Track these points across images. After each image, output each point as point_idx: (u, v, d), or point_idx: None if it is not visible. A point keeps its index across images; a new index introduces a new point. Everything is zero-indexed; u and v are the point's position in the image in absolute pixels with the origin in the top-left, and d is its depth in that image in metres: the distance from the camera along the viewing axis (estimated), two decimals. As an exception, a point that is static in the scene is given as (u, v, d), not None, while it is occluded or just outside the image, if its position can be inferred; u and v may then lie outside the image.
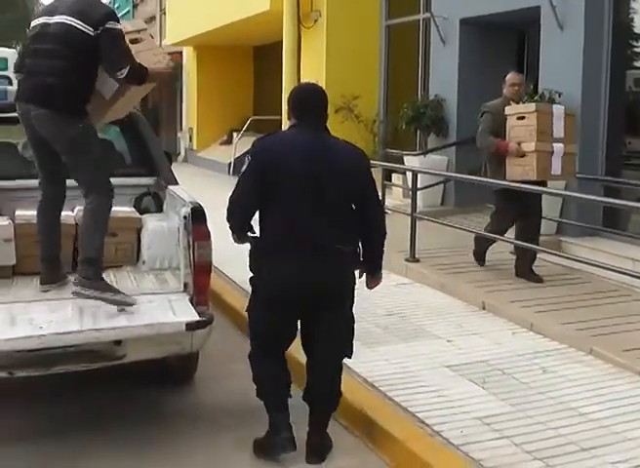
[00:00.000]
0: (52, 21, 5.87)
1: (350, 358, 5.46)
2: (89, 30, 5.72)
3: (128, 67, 5.75)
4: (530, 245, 9.10)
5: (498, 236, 9.56)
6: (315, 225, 5.04)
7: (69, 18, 5.77)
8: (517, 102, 9.51)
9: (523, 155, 8.97)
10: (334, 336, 5.30)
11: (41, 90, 5.81)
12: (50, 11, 5.99)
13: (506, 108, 9.30)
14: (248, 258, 5.31)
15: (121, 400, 6.34)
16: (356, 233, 5.29)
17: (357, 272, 5.51)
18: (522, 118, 9.09)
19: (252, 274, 5.33)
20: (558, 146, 9.00)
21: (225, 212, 5.24)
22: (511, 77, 9.66)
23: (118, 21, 5.89)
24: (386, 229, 5.54)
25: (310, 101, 5.37)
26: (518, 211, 9.22)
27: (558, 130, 9.07)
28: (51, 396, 6.28)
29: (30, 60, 5.94)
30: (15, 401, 6.21)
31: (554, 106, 9.53)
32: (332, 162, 5.14)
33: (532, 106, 9.19)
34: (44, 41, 5.86)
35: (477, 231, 10.24)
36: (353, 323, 5.46)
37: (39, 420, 5.99)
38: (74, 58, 5.76)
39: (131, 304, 5.65)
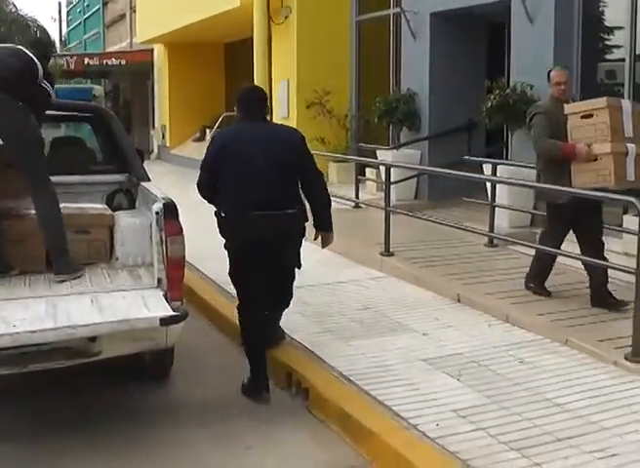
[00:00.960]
0: None
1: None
2: None
3: None
4: (602, 262, 7.94)
5: (560, 252, 8.33)
6: (264, 193, 6.21)
7: None
8: (565, 102, 8.10)
9: (595, 158, 7.69)
10: (283, 289, 6.75)
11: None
12: None
13: (566, 106, 7.97)
14: (218, 229, 6.48)
15: (98, 397, 6.30)
16: (298, 198, 6.46)
17: (313, 234, 6.76)
18: (588, 116, 7.78)
19: (224, 240, 6.49)
20: (631, 147, 7.68)
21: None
22: (554, 74, 8.31)
23: None
24: (329, 195, 6.77)
25: (251, 99, 6.64)
26: (578, 229, 8.19)
27: (628, 128, 7.76)
28: (28, 395, 6.23)
29: None
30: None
31: (622, 100, 8.23)
32: (270, 140, 6.39)
33: (602, 101, 7.76)
34: None
35: (451, 224, 10.28)
36: (298, 268, 6.74)
37: (17, 420, 5.93)
38: None
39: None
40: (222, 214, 6.36)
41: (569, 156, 7.81)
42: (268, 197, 6.19)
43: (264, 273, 6.35)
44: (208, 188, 6.45)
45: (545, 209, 8.53)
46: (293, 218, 6.32)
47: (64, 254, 6.22)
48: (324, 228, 6.71)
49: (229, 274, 6.54)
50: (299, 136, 6.59)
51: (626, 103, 7.95)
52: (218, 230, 6.45)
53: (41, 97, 6.40)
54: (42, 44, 6.89)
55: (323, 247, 6.86)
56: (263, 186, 6.20)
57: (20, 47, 6.60)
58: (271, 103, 17.35)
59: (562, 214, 8.08)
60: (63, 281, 6.11)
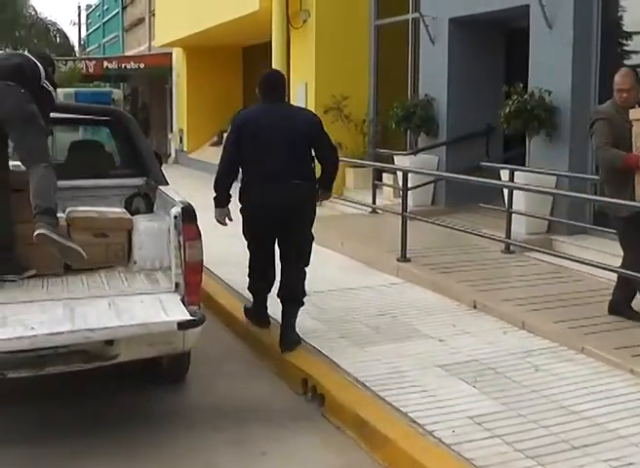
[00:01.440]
0: None
1: (307, 266, 7.43)
2: None
3: None
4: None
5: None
6: (281, 165, 7.03)
7: None
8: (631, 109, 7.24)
9: None
10: (297, 250, 7.34)
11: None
12: None
13: (631, 112, 7.18)
14: (238, 194, 7.26)
15: (114, 400, 6.32)
16: (308, 172, 7.25)
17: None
18: None
19: (241, 205, 7.27)
20: None
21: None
22: (617, 81, 7.47)
23: None
24: (337, 164, 7.63)
25: (270, 83, 7.41)
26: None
27: None
28: (42, 398, 6.26)
29: None
30: (4, 403, 6.19)
31: None
32: (290, 118, 7.25)
33: None
34: None
35: (468, 230, 10.27)
36: (312, 240, 7.44)
37: (30, 423, 5.95)
38: None
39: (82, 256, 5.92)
40: (241, 184, 7.27)
41: (632, 167, 7.10)
42: (279, 170, 7.01)
43: (279, 236, 7.30)
44: (228, 162, 7.27)
45: (613, 223, 7.91)
46: (298, 188, 7.08)
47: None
48: (324, 187, 7.55)
49: (242, 233, 7.44)
50: (315, 118, 7.45)
51: None
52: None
53: (44, 98, 6.40)
54: (48, 58, 6.92)
55: (319, 201, 7.61)
56: (276, 160, 7.02)
57: (26, 53, 6.79)
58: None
59: (631, 227, 7.40)
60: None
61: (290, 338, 7.21)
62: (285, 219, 7.11)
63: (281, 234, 7.24)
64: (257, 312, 7.86)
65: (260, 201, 7.08)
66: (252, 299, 7.92)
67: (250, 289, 7.76)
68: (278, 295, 7.39)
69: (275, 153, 7.01)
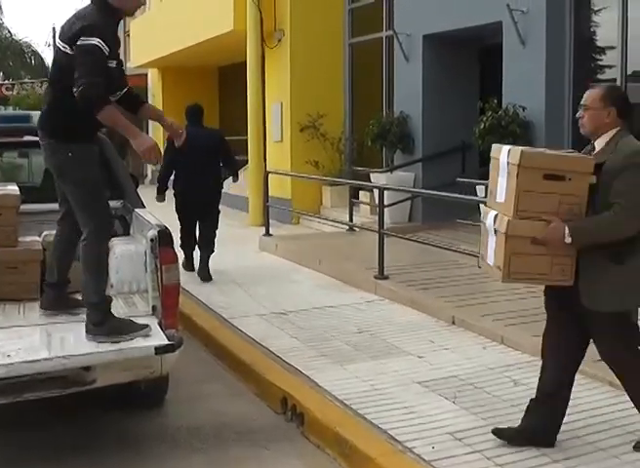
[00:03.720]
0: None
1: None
2: (67, 49, 5.51)
3: (80, 85, 5.31)
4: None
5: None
6: (200, 172, 10.88)
7: (58, 39, 5.65)
8: None
9: None
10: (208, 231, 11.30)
11: (40, 118, 5.87)
12: None
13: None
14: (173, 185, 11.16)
15: (92, 424, 6.29)
16: (220, 175, 11.49)
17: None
18: None
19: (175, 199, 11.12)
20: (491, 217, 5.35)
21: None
22: None
23: (95, 35, 5.39)
24: (237, 164, 12.32)
25: (192, 112, 11.30)
26: None
27: (500, 188, 5.23)
28: (20, 424, 6.22)
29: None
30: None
31: (503, 148, 5.18)
32: (203, 137, 10.79)
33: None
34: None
35: (445, 246, 10.28)
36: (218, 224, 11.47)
37: (7, 450, 5.90)
38: (59, 81, 5.67)
39: (146, 331, 5.63)
40: (175, 189, 11.11)
41: None
42: (200, 177, 10.87)
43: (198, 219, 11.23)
44: (164, 178, 11.26)
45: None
46: (214, 189, 11.24)
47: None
48: (234, 176, 11.98)
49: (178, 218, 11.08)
50: (220, 134, 11.76)
51: (504, 154, 5.14)
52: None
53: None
54: None
55: (234, 182, 12.18)
56: (198, 169, 10.84)
57: None
58: (264, 126, 17.41)
59: None
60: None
61: (204, 273, 10.95)
62: (203, 206, 11.10)
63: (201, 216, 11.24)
64: (188, 264, 11.33)
65: (189, 198, 10.98)
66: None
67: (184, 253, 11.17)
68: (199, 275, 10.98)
69: (199, 164, 10.82)
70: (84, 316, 5.80)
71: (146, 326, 5.63)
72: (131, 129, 5.47)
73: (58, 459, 5.70)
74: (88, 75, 5.31)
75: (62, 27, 5.66)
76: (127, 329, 5.59)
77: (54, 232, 6.45)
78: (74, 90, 5.32)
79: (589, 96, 5.14)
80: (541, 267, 4.98)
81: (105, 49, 5.42)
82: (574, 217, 4.87)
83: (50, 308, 6.15)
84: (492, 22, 12.07)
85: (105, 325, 5.58)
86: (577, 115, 5.27)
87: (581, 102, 5.17)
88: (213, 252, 11.17)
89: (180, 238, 10.73)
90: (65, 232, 6.14)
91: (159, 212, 7.10)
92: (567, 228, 4.79)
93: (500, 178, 5.11)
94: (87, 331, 5.58)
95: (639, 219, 4.81)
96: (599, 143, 5.13)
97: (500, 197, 5.09)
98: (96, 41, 5.37)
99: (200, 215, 11.12)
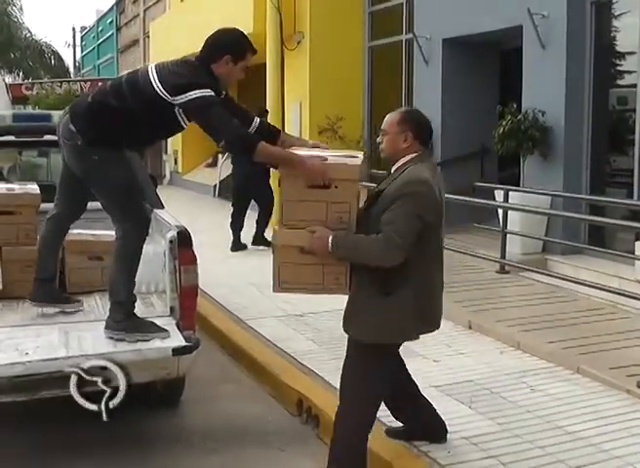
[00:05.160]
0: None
1: None
2: (162, 94, 5.35)
3: (230, 145, 5.35)
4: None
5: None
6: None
7: (156, 78, 5.43)
8: None
9: None
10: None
11: (75, 116, 5.70)
12: None
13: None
14: None
15: (108, 423, 6.28)
16: None
17: None
18: None
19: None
20: None
21: None
22: None
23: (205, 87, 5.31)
24: None
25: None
26: None
27: None
28: (34, 422, 6.24)
29: None
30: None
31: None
32: None
33: None
34: None
35: (463, 250, 10.28)
36: None
37: (23, 447, 5.94)
38: (124, 99, 5.50)
39: (164, 335, 5.63)
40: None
41: None
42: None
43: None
44: None
45: None
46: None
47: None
48: None
49: None
50: None
51: None
52: None
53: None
54: None
55: None
56: None
57: None
58: (283, 129, 17.40)
59: None
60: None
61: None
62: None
63: None
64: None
65: None
66: None
67: None
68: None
69: None
70: (101, 315, 5.84)
71: (166, 331, 5.65)
72: (289, 156, 5.06)
73: (73, 457, 5.73)
74: (226, 132, 5.27)
75: (162, 70, 5.51)
76: (146, 329, 5.62)
77: (74, 231, 6.48)
78: (221, 144, 5.31)
79: (387, 120, 5.01)
80: (313, 277, 4.80)
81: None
82: (343, 226, 4.72)
83: (43, 301, 6.17)
84: (512, 26, 12.04)
85: (126, 322, 5.61)
86: (377, 140, 5.10)
87: (381, 127, 5.07)
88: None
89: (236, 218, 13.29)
90: (57, 229, 6.21)
91: (177, 211, 7.12)
92: (330, 238, 4.58)
93: None
94: (107, 327, 5.61)
95: (401, 251, 4.50)
96: (394, 168, 4.98)
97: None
98: (208, 92, 5.29)
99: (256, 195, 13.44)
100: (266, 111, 13.99)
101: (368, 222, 4.70)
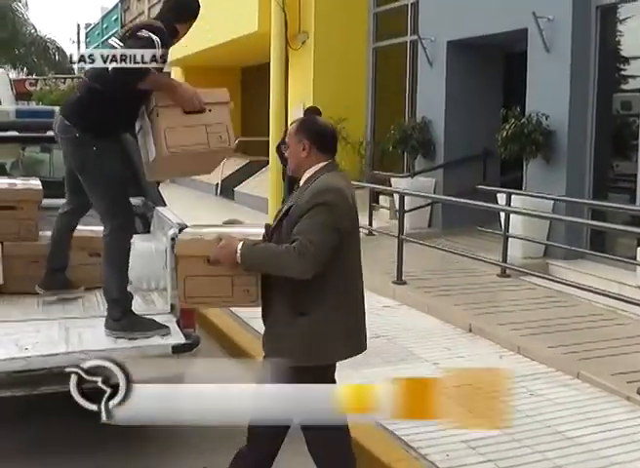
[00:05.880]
0: None
1: None
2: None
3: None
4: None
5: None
6: None
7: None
8: None
9: None
10: None
11: (67, 108, 5.86)
12: None
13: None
14: None
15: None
16: None
17: None
18: None
19: None
20: None
21: None
22: None
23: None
24: None
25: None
26: None
27: None
28: (37, 418, 6.23)
29: None
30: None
31: None
32: None
33: None
34: None
35: (464, 253, 10.26)
36: None
37: (23, 443, 5.92)
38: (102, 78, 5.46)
39: (165, 331, 5.64)
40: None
41: None
42: None
43: None
44: None
45: None
46: None
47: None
48: None
49: None
50: None
51: None
52: None
53: None
54: None
55: None
56: None
57: None
58: (287, 128, 17.36)
59: None
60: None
61: None
62: None
63: None
64: None
65: None
66: None
67: None
68: None
69: None
70: (102, 311, 5.83)
71: (167, 327, 5.64)
72: (169, 82, 5.66)
73: (72, 453, 5.73)
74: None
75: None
76: (145, 326, 5.61)
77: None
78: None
79: (288, 131, 4.76)
80: (222, 289, 4.54)
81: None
82: (224, 144, 5.09)
83: (50, 288, 6.29)
84: (517, 29, 12.02)
85: (124, 320, 5.62)
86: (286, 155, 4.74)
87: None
88: None
89: None
90: (68, 224, 6.30)
91: (179, 209, 7.10)
92: (238, 246, 4.29)
93: None
94: (106, 326, 5.62)
95: (314, 262, 4.19)
96: (302, 182, 4.56)
97: None
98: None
99: None
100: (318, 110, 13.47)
101: (279, 238, 4.39)
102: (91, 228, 6.90)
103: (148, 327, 5.63)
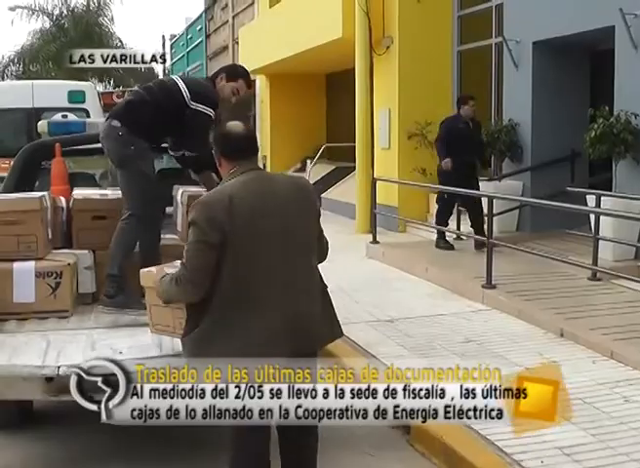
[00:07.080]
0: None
1: None
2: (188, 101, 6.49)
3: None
4: None
5: None
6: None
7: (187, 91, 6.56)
8: None
9: None
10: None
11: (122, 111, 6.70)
12: None
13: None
14: None
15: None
16: None
17: None
18: None
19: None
20: None
21: None
22: None
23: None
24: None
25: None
26: None
27: None
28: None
29: None
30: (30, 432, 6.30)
31: None
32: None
33: None
34: None
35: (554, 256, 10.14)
36: None
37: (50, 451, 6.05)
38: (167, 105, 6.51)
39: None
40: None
41: None
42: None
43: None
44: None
45: None
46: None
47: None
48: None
49: None
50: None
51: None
52: None
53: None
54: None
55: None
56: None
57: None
58: (372, 133, 17.39)
59: None
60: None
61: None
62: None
63: None
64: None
65: None
66: None
67: None
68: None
69: None
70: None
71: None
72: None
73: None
74: (205, 149, 6.17)
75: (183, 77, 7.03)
76: (140, 306, 5.77)
77: (80, 191, 7.14)
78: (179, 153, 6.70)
79: None
80: (168, 319, 4.68)
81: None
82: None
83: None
84: (603, 27, 11.84)
85: (117, 298, 6.16)
86: None
87: None
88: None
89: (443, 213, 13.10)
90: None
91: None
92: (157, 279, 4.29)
93: None
94: (99, 303, 6.22)
95: (193, 285, 4.08)
96: None
97: None
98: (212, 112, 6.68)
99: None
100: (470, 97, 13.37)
101: None
102: (98, 191, 7.46)
103: (137, 305, 5.89)
